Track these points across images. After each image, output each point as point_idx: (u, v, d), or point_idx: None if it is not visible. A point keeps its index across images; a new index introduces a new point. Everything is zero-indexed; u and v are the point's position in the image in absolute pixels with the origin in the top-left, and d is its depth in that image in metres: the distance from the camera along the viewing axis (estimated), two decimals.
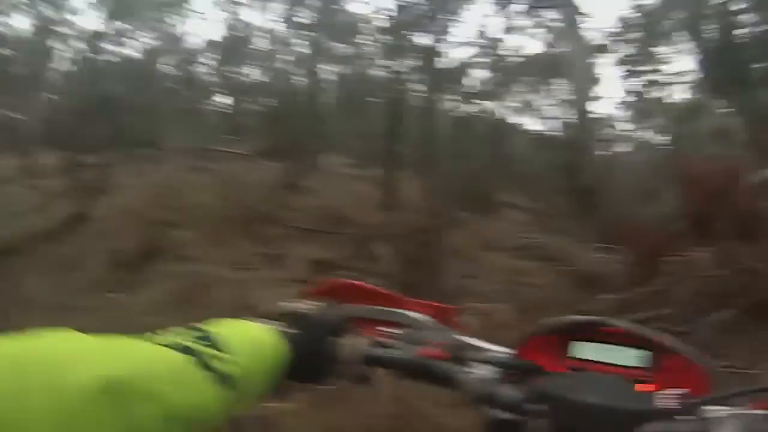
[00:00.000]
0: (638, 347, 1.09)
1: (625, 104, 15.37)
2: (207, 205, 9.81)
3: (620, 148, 15.25)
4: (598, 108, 13.97)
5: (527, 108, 14.93)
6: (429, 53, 12.35)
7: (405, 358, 1.09)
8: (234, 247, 8.86)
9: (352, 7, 14.21)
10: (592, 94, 13.05)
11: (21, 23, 14.14)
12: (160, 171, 11.48)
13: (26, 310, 7.19)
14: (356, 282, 1.33)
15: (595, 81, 13.39)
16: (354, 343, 1.07)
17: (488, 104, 14.10)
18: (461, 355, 1.10)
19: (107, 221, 9.38)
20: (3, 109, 13.32)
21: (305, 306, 1.08)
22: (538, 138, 15.09)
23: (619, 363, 1.10)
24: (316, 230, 9.50)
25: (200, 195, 10.40)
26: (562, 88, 14.00)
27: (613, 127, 15.26)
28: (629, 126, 15.90)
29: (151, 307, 6.84)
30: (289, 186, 10.82)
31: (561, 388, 0.99)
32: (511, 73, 14.51)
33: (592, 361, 1.11)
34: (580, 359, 1.12)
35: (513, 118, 14.94)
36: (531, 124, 15.60)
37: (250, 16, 15.02)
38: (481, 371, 1.07)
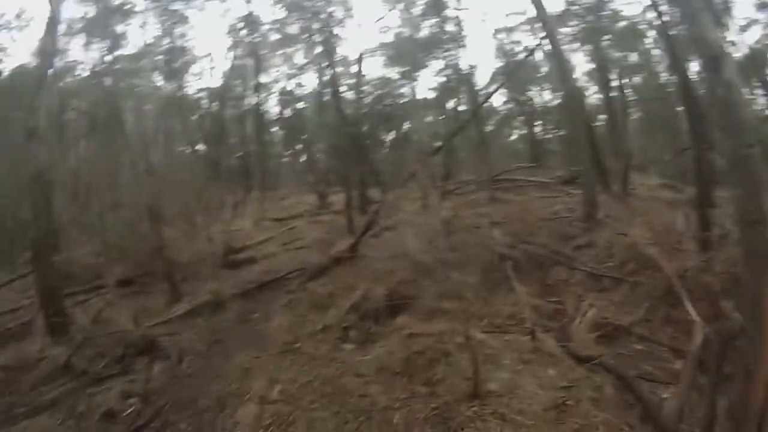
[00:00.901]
0: None
1: None
2: (489, 242, 8.53)
3: None
4: None
5: None
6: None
7: None
8: (506, 294, 7.34)
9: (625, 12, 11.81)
10: None
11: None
12: (447, 205, 10.52)
13: (260, 348, 6.93)
14: None
15: None
16: None
17: None
18: None
19: (375, 261, 8.81)
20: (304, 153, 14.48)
21: None
22: None
23: None
24: (610, 276, 7.39)
25: (484, 230, 9.25)
26: None
27: None
28: None
29: (374, 373, 5.96)
30: (587, 218, 8.79)
31: None
32: None
33: None
34: None
35: None
36: None
37: (527, 40, 13.95)
38: None
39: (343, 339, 6.92)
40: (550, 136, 14.24)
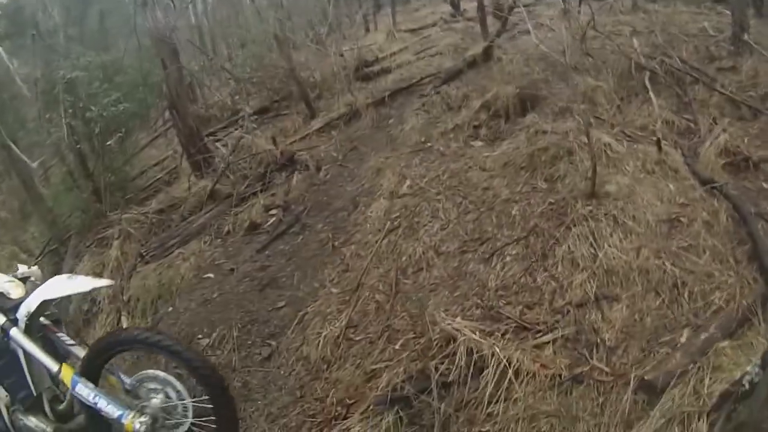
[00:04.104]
0: None
1: None
2: (627, 51, 8.30)
3: None
4: None
5: None
6: None
7: None
8: (640, 105, 7.37)
9: None
10: None
11: None
12: (586, 11, 10.13)
13: (392, 149, 7.56)
14: None
15: None
16: None
17: None
18: None
19: (510, 64, 8.98)
20: None
21: None
22: None
23: None
24: (750, 105, 7.08)
25: (624, 39, 9.01)
26: None
27: None
28: None
29: (499, 167, 6.44)
30: (735, 41, 8.31)
31: None
32: None
33: None
34: None
35: None
36: None
37: None
38: None
39: (473, 137, 7.35)
40: None
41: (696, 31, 9.21)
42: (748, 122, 6.90)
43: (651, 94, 7.29)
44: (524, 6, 10.30)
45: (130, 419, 3.51)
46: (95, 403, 3.58)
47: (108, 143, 9.46)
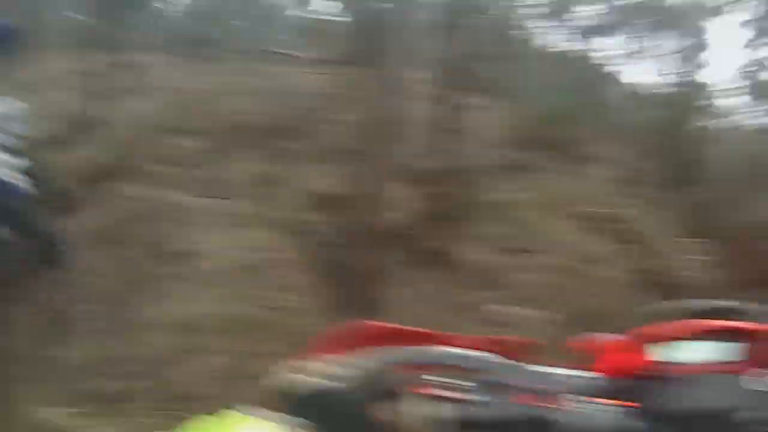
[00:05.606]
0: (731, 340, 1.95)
1: (744, 76, 12.26)
2: (234, 112, 8.71)
3: (729, 124, 12.48)
4: (709, 73, 11.74)
5: (630, 57, 12.48)
6: None
7: (510, 413, 1.52)
8: (230, 162, 7.79)
9: None
10: (704, 56, 11.65)
11: None
12: (206, 73, 10.45)
13: None
14: (378, 324, 1.67)
15: (707, 42, 11.60)
16: (416, 408, 0.98)
17: (587, 44, 12.14)
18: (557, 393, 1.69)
19: (114, 129, 8.63)
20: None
21: (320, 376, 1.02)
22: (638, 92, 12.75)
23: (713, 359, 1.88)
24: (342, 150, 7.93)
25: (234, 102, 9.16)
26: (671, 41, 11.64)
27: (724, 98, 12.44)
28: (744, 102, 12.85)
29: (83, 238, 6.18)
30: (342, 97, 9.29)
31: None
32: (616, 14, 12.21)
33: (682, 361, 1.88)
34: (667, 361, 1.83)
35: (612, 65, 12.67)
36: (631, 75, 13.15)
37: None
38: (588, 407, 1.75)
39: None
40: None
41: (308, 90, 9.63)
42: (334, 165, 7.64)
43: (240, 151, 7.86)
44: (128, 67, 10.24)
45: None
46: None
47: None
